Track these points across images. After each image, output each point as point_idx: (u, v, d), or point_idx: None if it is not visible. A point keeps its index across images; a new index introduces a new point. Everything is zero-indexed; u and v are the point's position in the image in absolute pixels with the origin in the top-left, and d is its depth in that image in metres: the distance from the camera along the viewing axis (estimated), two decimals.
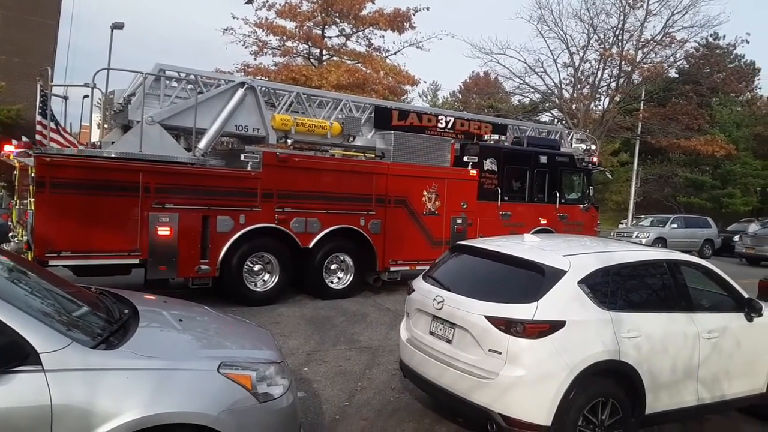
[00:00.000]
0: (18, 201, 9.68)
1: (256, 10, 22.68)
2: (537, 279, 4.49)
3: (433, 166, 11.47)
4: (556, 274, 4.46)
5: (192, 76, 9.80)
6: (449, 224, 11.55)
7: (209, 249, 8.89)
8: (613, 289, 4.68)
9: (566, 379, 4.12)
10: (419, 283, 5.37)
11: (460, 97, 56.50)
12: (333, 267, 10.28)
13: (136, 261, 8.45)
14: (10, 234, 9.74)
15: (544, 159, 13.02)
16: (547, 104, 34.52)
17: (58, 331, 2.96)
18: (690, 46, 30.55)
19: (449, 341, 4.67)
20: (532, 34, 57.12)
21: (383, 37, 24.65)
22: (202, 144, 9.55)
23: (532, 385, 4.13)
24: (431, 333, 4.89)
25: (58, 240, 7.87)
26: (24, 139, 9.62)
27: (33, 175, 7.78)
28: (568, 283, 4.43)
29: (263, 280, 9.53)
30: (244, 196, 9.16)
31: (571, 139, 15.09)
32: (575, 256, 4.71)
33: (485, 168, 12.09)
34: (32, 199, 7.84)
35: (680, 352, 4.71)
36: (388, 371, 6.40)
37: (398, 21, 23.41)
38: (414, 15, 23.48)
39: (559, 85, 30.13)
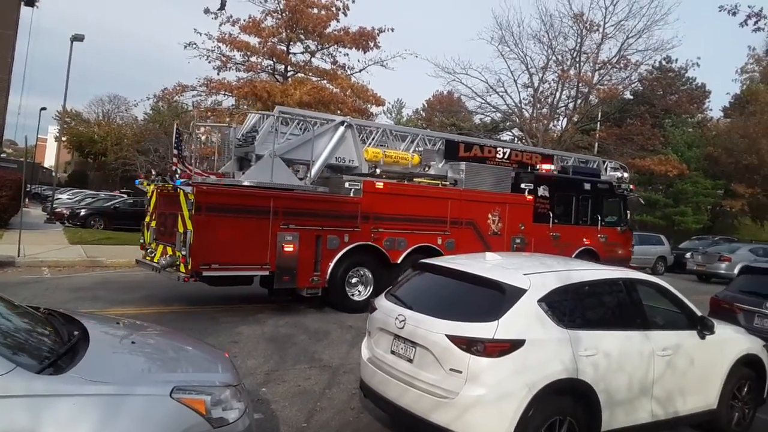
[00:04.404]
0: (155, 221, 10.80)
1: (220, 25, 22.51)
2: (498, 298, 4.52)
3: (497, 192, 12.96)
4: (517, 293, 4.50)
5: (301, 117, 11.81)
6: (509, 243, 12.95)
7: (320, 263, 10.40)
8: (572, 307, 4.75)
9: (525, 397, 4.14)
10: (381, 302, 5.33)
11: (424, 115, 57.08)
12: None
13: (266, 273, 9.91)
14: (147, 250, 10.86)
15: (588, 186, 14.48)
16: (507, 123, 35.09)
17: (2, 355, 2.82)
18: (644, 69, 31.54)
19: (410, 360, 4.64)
20: (494, 54, 58.34)
21: (347, 55, 24.72)
22: (312, 173, 11.06)
23: (492, 404, 4.13)
24: (392, 352, 4.86)
25: (210, 254, 9.26)
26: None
27: (192, 200, 9.10)
28: (528, 301, 4.47)
29: (358, 291, 10.95)
30: (348, 218, 10.72)
31: (606, 167, 16.30)
32: (535, 274, 4.76)
33: (539, 194, 13.52)
34: (189, 221, 9.17)
35: (636, 369, 4.79)
36: (349, 391, 6.33)
37: (363, 40, 23.49)
38: (379, 35, 23.66)
39: (519, 105, 30.71)
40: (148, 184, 11.11)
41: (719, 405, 5.54)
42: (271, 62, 23.92)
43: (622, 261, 14.46)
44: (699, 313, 5.52)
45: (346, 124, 11.84)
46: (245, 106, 22.52)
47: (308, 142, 11.09)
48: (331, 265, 10.49)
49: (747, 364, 5.81)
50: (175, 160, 10.38)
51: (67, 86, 26.05)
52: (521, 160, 14.23)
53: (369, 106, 24.79)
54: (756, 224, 46.24)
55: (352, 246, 10.68)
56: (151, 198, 11.02)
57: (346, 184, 10.95)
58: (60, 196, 33.06)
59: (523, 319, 4.39)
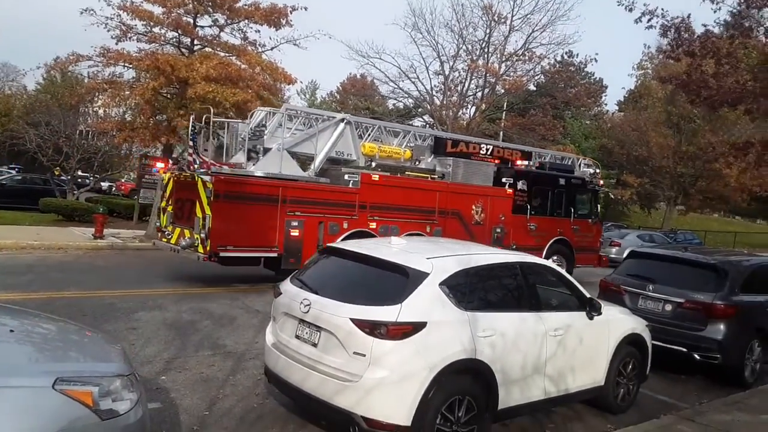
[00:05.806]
0: (171, 207, 11.75)
1: None
2: (401, 281, 4.59)
3: (480, 185, 14.09)
4: (420, 276, 4.59)
5: (305, 114, 12.89)
6: (491, 232, 14.05)
7: (322, 246, 10.53)
8: (471, 290, 4.89)
9: (426, 378, 4.25)
10: (286, 286, 5.26)
11: (338, 97, 56.67)
12: None
13: (275, 255, 10.98)
14: (165, 232, 11.84)
15: (562, 181, 15.59)
16: (419, 109, 35.60)
17: None
18: (547, 63, 33.01)
19: (315, 345, 4.62)
20: (407, 40, 58.60)
21: (258, 32, 23.95)
22: (314, 165, 12.23)
23: (394, 386, 4.20)
24: (297, 337, 4.81)
25: (226, 237, 10.37)
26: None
27: (211, 188, 10.21)
28: (430, 284, 4.56)
29: None
30: (347, 207, 11.87)
31: (580, 164, 17.50)
32: (437, 258, 4.87)
33: (518, 188, 14.59)
34: (207, 207, 10.28)
35: (530, 349, 5.04)
36: (253, 377, 6.21)
37: (275, 17, 22.83)
38: (291, 12, 23.07)
39: (430, 92, 31.23)
40: (164, 173, 12.25)
41: (606, 381, 5.92)
42: (177, 34, 22.75)
43: (592, 250, 16.05)
44: (588, 295, 5.86)
45: (345, 120, 12.83)
46: (147, 79, 21.28)
47: (312, 137, 12.16)
48: None
49: (631, 342, 6.25)
50: (190, 151, 11.32)
51: None
52: (502, 156, 15.36)
53: (280, 84, 24.20)
54: (644, 212, 49.99)
55: (350, 232, 11.69)
56: (168, 185, 11.96)
57: (345, 176, 12.04)
58: None
59: (426, 301, 4.48)
